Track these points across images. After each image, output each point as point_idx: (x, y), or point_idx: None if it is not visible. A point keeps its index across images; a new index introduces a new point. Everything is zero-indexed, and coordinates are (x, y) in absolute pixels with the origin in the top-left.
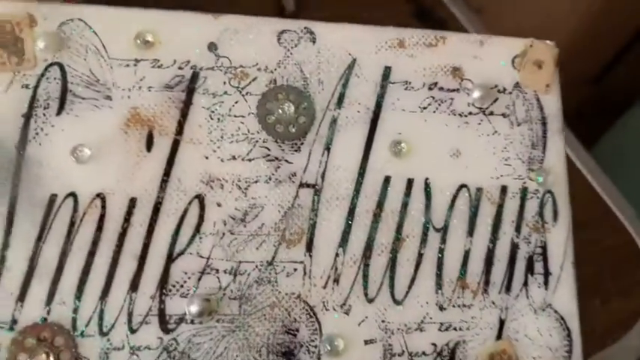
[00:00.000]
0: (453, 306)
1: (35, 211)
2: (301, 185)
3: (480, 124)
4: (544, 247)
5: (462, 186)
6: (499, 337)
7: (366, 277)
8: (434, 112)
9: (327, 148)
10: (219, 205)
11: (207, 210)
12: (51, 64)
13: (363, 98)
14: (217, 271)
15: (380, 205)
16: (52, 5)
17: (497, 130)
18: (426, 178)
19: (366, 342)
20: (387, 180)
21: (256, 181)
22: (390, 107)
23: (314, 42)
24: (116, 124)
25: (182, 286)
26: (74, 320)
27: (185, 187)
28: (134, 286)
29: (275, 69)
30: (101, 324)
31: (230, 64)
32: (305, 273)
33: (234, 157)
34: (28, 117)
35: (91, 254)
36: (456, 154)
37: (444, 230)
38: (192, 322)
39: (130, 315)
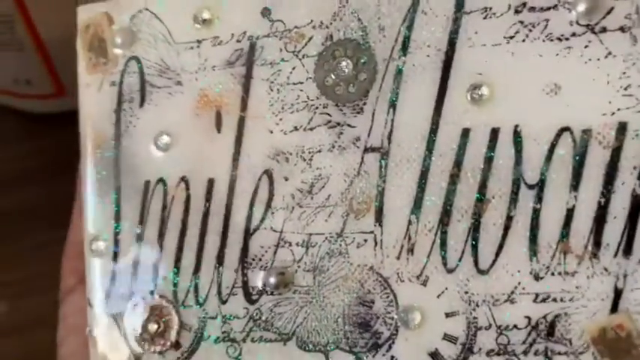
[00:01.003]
0: (552, 274)
1: (136, 198)
2: (366, 150)
3: (587, 47)
4: None
5: (564, 129)
6: (614, 309)
7: (444, 245)
8: (523, 40)
9: (393, 105)
10: (286, 179)
11: (276, 185)
12: (129, 59)
13: (432, 39)
14: (290, 244)
15: (458, 164)
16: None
17: (613, 51)
18: (516, 126)
19: (447, 314)
20: (465, 133)
21: (319, 151)
22: (466, 44)
23: None
24: (188, 109)
25: (260, 259)
26: (175, 293)
27: (254, 163)
28: (220, 261)
29: (331, 23)
30: (197, 296)
31: (285, 27)
32: (376, 243)
33: (296, 128)
34: (118, 112)
35: (182, 234)
36: (553, 90)
37: (539, 186)
38: (272, 293)
39: (219, 287)
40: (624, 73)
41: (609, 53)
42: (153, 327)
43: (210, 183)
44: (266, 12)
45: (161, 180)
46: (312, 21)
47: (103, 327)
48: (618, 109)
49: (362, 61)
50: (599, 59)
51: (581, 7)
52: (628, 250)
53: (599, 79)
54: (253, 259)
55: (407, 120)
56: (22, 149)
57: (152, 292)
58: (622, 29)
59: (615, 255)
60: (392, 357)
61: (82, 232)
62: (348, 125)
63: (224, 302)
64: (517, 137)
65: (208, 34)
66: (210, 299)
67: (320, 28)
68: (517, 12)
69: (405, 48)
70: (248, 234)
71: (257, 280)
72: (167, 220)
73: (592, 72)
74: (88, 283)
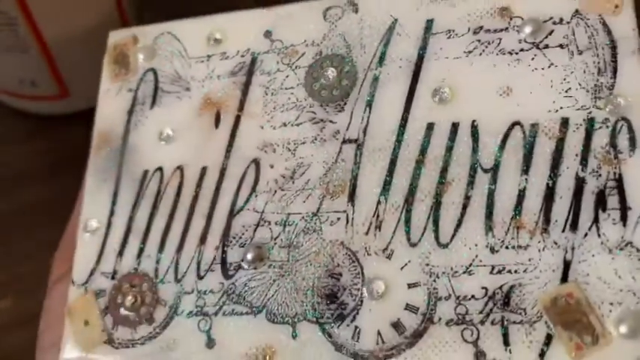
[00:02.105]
0: (507, 247)
1: (134, 185)
2: (344, 141)
3: (533, 59)
4: (619, 180)
5: (515, 124)
6: (564, 280)
7: (408, 222)
8: (480, 54)
9: (369, 105)
10: (271, 166)
11: (262, 172)
12: (147, 70)
13: (404, 54)
14: (269, 223)
15: (423, 152)
16: (149, 26)
17: (554, 62)
18: (473, 121)
19: (410, 285)
20: (430, 127)
21: (303, 143)
22: (432, 57)
23: (356, 11)
24: (193, 110)
25: (241, 237)
26: (156, 270)
27: (244, 153)
28: (203, 239)
29: (321, 42)
30: (176, 272)
31: (282, 45)
32: (347, 221)
33: (284, 124)
34: (130, 113)
35: (171, 216)
36: (506, 92)
37: (494, 170)
38: (247, 268)
39: (198, 264)
40: (564, 79)
41: (552, 64)
42: (130, 300)
43: (204, 170)
44: (268, 34)
45: (159, 169)
46: (305, 40)
47: (81, 303)
48: (561, 107)
49: (345, 70)
50: (543, 68)
51: (528, 30)
52: (574, 226)
53: (544, 83)
54: (234, 238)
55: (381, 117)
56: (27, 149)
57: (135, 270)
58: (561, 46)
59: (563, 230)
60: (356, 327)
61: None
62: (330, 121)
63: (201, 278)
64: (474, 130)
65: (218, 50)
66: (188, 275)
67: (312, 45)
68: (475, 33)
69: (381, 61)
70: (232, 215)
71: (235, 255)
72: (159, 204)
73: (538, 78)
74: (76, 260)
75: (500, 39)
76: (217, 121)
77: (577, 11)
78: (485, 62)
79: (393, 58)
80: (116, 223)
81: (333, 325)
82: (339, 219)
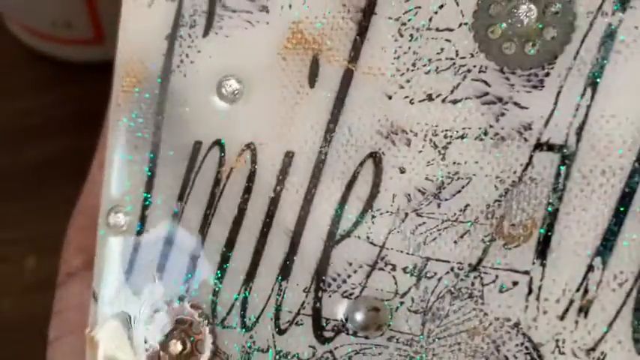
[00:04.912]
0: None
1: (178, 162)
2: (539, 146)
3: None
4: None
5: None
6: None
7: (638, 310)
8: None
9: (593, 84)
10: (402, 170)
11: (385, 176)
12: None
13: None
14: (394, 267)
15: None
16: None
17: None
18: None
19: None
20: None
21: (462, 137)
22: None
23: None
24: (273, 47)
25: (345, 281)
26: (214, 304)
27: (356, 139)
28: (285, 271)
29: None
30: (244, 314)
31: None
32: (531, 290)
33: (430, 97)
34: (172, 40)
35: (237, 223)
36: None
37: None
38: (354, 334)
39: (278, 309)
40: None
41: None
42: (176, 347)
43: (288, 158)
44: None
45: (218, 143)
46: None
47: (107, 331)
48: None
49: (553, 9)
50: None
51: None
52: None
53: None
54: (334, 279)
55: (612, 111)
56: (53, 98)
57: (182, 298)
58: None
59: None
60: None
61: (99, 196)
62: (516, 104)
63: (281, 332)
64: None
65: None
66: (261, 323)
67: None
68: None
69: (623, 0)
70: (331, 241)
71: (336, 310)
72: (218, 201)
73: None
74: (97, 269)
75: None
76: (313, 74)
77: None
78: None
79: None
80: (152, 220)
81: None
82: (515, 284)
